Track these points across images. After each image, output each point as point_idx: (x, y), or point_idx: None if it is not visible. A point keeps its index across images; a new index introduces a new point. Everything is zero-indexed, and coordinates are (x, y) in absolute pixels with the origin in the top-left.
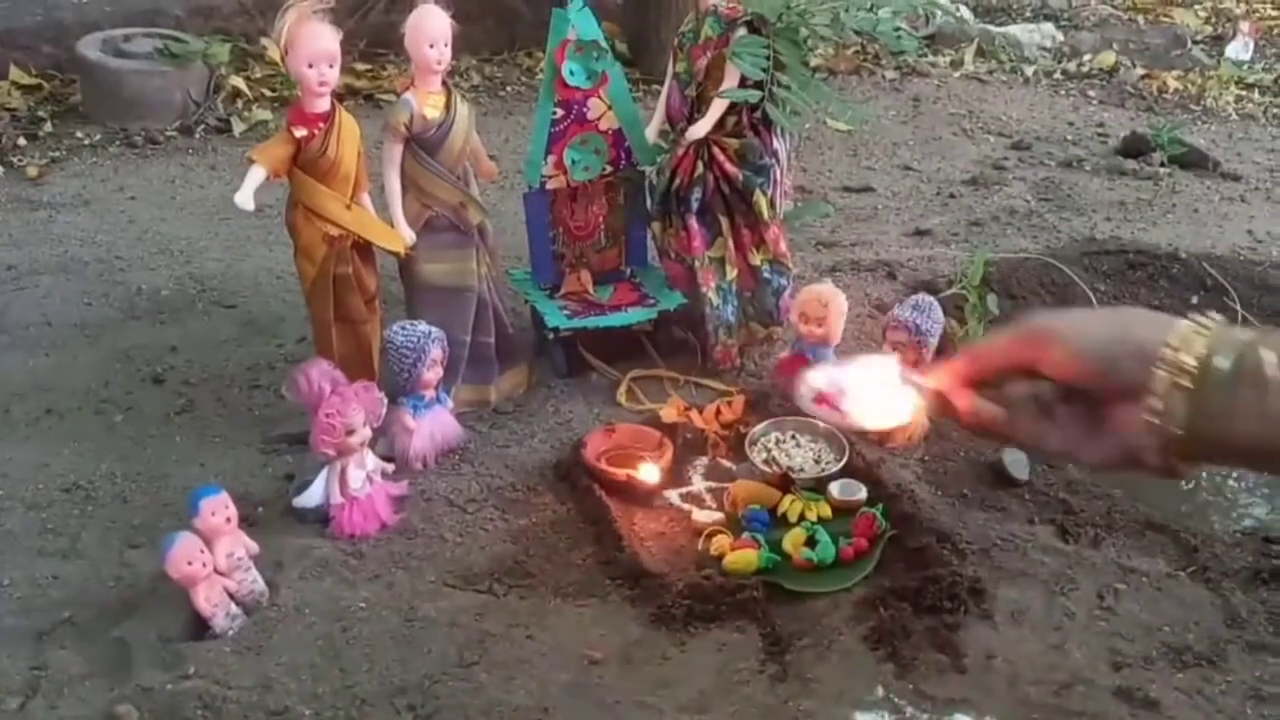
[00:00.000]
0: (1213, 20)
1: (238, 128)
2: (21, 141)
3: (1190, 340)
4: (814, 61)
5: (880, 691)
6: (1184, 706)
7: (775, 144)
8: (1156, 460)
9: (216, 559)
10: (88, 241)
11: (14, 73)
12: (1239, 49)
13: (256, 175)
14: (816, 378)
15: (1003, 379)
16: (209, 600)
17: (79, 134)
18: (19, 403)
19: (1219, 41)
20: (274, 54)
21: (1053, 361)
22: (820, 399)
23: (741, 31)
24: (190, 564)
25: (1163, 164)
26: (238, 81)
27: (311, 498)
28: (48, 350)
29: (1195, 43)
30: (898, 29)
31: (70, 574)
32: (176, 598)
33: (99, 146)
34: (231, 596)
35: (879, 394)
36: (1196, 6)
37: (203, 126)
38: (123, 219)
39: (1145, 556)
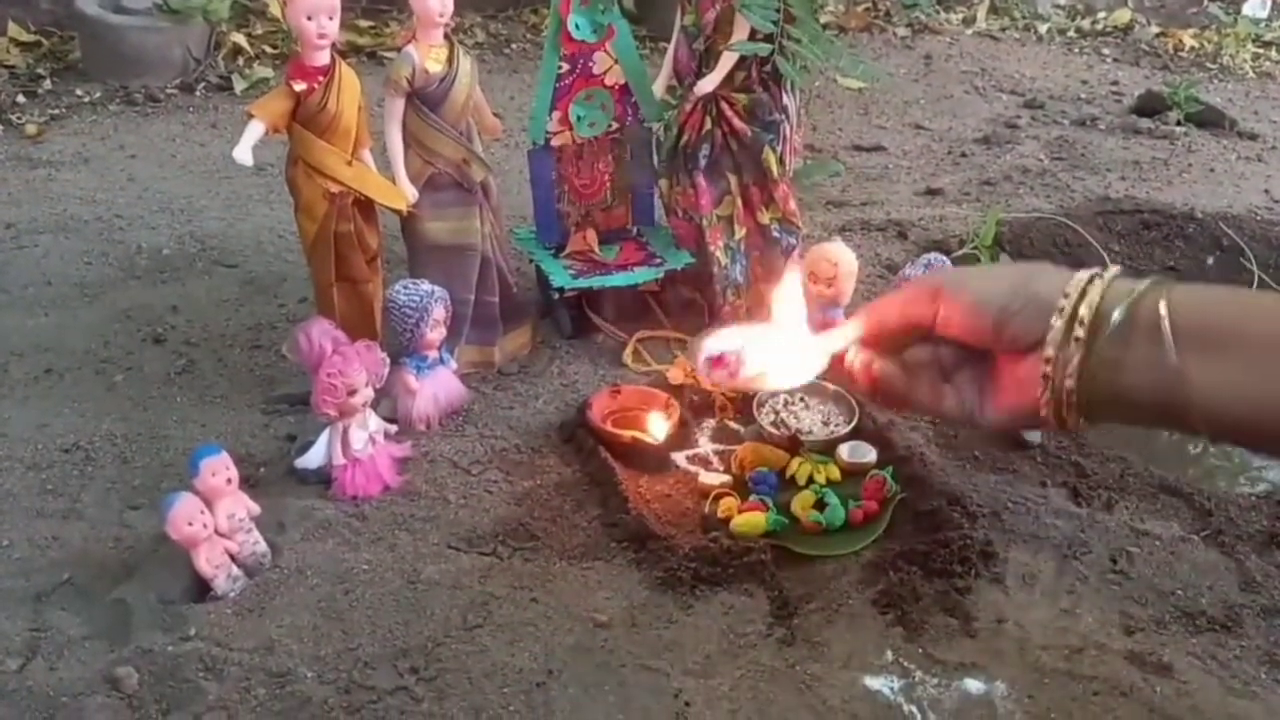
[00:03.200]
0: None
1: (239, 85)
2: (20, 99)
3: (1087, 291)
4: (823, 19)
5: (889, 655)
6: (1197, 671)
7: (785, 100)
8: (1051, 417)
9: (217, 520)
10: (87, 200)
11: (12, 29)
12: (1256, 6)
13: (255, 130)
14: (713, 342)
15: (903, 341)
16: (210, 562)
17: (78, 91)
18: (18, 362)
19: None
20: (275, 10)
21: (948, 317)
22: (716, 362)
23: None
24: (191, 525)
25: (1179, 123)
26: (238, 38)
27: (313, 459)
28: (47, 309)
29: (1212, 0)
30: None
31: (70, 535)
32: (177, 559)
33: (99, 104)
34: (233, 558)
35: (779, 355)
36: None
37: (203, 84)
38: (123, 177)
39: (1159, 520)
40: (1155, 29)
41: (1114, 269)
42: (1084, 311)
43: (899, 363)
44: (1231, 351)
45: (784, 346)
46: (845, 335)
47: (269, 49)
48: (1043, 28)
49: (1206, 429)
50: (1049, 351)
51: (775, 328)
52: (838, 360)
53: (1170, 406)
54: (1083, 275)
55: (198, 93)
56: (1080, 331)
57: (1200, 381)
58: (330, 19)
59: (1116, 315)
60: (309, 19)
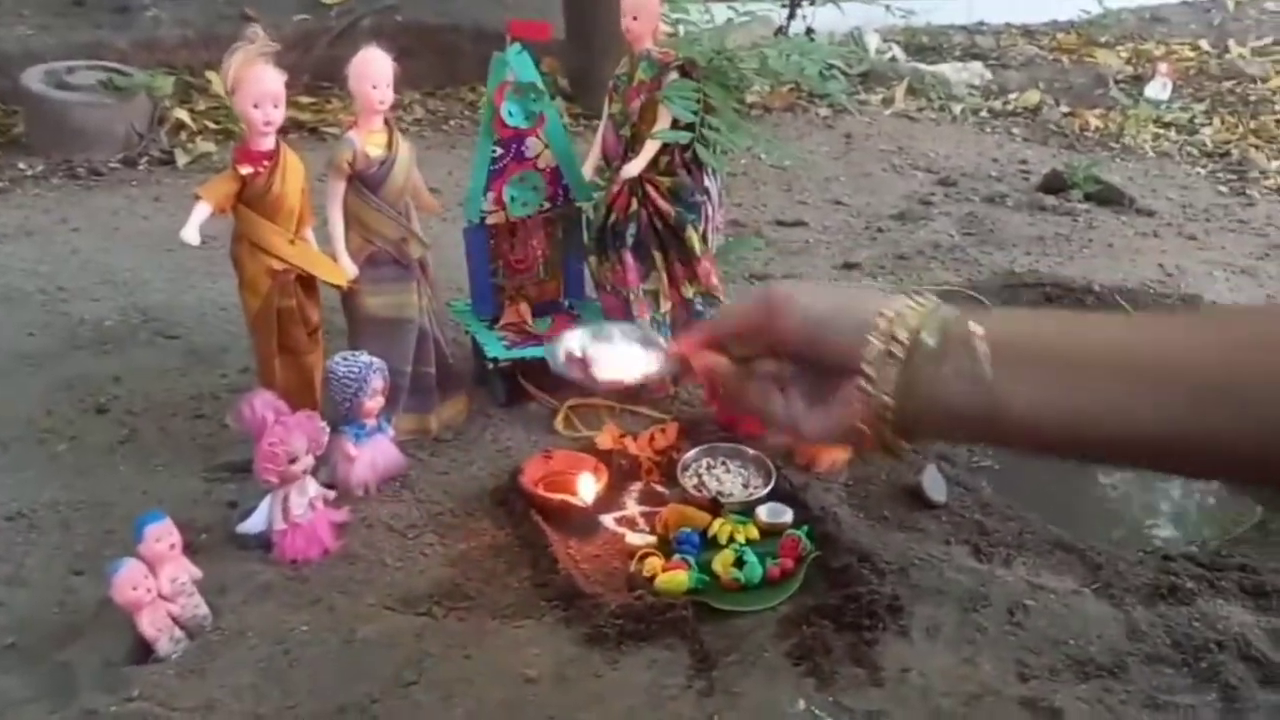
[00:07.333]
0: (1133, 61)
1: (181, 159)
2: None
3: (905, 315)
4: (749, 99)
5: (801, 704)
6: (1085, 715)
7: (707, 182)
8: (871, 434)
9: (160, 584)
10: (30, 272)
11: None
12: (1157, 89)
13: (202, 211)
14: (569, 339)
15: (743, 347)
16: (153, 624)
17: (21, 165)
18: None
19: (1139, 81)
20: (217, 87)
21: (779, 327)
22: (570, 359)
23: (673, 75)
24: (135, 589)
25: (1081, 200)
26: (181, 114)
27: (254, 524)
28: None
29: (1116, 83)
30: (829, 68)
31: (14, 600)
32: (120, 623)
33: (42, 178)
34: (175, 621)
35: (624, 352)
36: (1118, 48)
37: (146, 158)
38: (66, 250)
39: (1054, 575)
40: (1063, 109)
41: (931, 296)
42: (901, 333)
43: (740, 367)
44: (1041, 367)
45: (628, 346)
46: (688, 339)
47: (211, 124)
48: (957, 108)
49: (1021, 440)
50: (868, 369)
51: (623, 328)
52: (680, 358)
53: (986, 420)
54: (902, 299)
55: (141, 166)
56: (898, 350)
57: (1013, 395)
58: (276, 107)
59: (930, 337)
60: (255, 106)
